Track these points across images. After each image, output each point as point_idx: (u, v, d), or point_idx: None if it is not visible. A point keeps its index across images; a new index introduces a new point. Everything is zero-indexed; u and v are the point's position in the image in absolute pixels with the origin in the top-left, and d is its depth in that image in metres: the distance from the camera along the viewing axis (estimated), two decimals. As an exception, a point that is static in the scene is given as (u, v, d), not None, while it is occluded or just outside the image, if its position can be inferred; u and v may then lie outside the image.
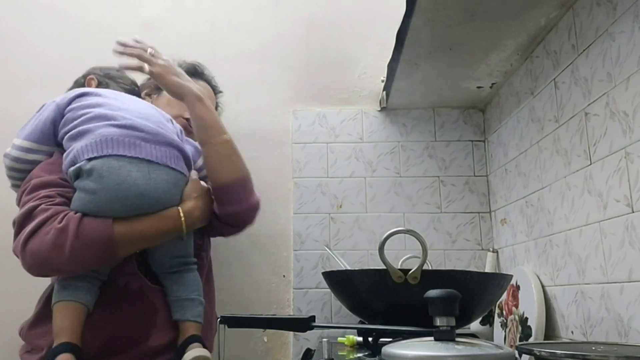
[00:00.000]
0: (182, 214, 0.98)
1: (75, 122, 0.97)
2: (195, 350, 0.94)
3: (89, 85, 1.12)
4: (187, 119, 1.16)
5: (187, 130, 1.17)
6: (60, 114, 1.01)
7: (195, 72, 1.29)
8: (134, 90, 1.20)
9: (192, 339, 0.97)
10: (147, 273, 1.03)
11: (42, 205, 0.91)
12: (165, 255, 1.02)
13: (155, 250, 1.02)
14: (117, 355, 0.97)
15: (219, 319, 0.87)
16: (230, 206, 1.07)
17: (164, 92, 1.14)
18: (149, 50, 1.06)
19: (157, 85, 1.18)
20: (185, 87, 1.05)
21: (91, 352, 0.95)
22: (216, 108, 1.34)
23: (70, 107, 1.01)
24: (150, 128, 0.97)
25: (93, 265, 0.94)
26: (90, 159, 0.90)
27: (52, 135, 1.01)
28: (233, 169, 1.07)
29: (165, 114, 1.08)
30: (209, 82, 1.32)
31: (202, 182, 1.06)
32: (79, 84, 1.15)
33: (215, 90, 1.35)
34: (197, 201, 1.02)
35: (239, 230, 1.16)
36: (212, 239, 1.26)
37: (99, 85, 1.14)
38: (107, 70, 1.18)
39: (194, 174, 1.05)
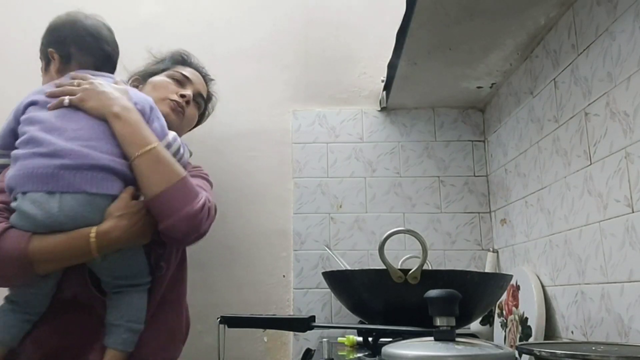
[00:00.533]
0: (92, 235, 0.92)
1: (17, 142, 0.99)
2: None
3: (52, 58, 1.09)
4: (174, 101, 1.18)
5: (176, 110, 1.17)
6: (17, 123, 1.01)
7: (182, 60, 1.28)
8: (109, 57, 1.13)
9: None
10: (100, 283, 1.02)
11: None
12: (105, 274, 1.00)
13: (95, 267, 0.99)
14: None
15: (219, 319, 0.87)
16: (165, 220, 0.97)
17: (149, 80, 1.21)
18: (73, 81, 1.04)
19: (143, 77, 1.22)
20: (103, 108, 1.01)
21: None
22: (209, 97, 1.32)
23: (22, 117, 1.01)
24: (74, 153, 0.94)
25: (13, 279, 0.94)
26: (12, 190, 0.95)
27: (13, 143, 1.01)
28: (160, 179, 0.98)
29: (106, 128, 1.01)
30: (197, 69, 1.29)
31: (136, 201, 0.98)
32: (44, 54, 1.12)
33: (206, 79, 1.32)
34: (119, 220, 0.94)
35: (186, 241, 1.05)
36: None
37: (61, 59, 1.09)
38: (75, 36, 1.10)
39: (126, 192, 0.98)
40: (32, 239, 0.91)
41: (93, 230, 0.93)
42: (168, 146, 1.06)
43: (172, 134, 1.09)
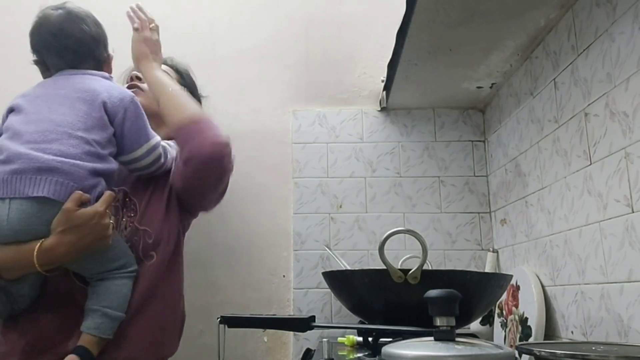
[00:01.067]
0: (35, 251, 0.90)
1: None
2: None
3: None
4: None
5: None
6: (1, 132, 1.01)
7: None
8: (76, 52, 1.08)
9: (73, 351, 0.93)
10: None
11: None
12: (81, 271, 1.00)
13: (69, 266, 0.98)
14: (39, 356, 0.97)
15: (219, 319, 0.87)
16: (190, 142, 1.01)
17: None
18: (152, 24, 1.21)
19: None
20: (135, 59, 1.17)
21: (16, 354, 0.96)
22: (196, 93, 1.34)
23: (3, 126, 1.01)
24: (24, 156, 0.92)
25: None
26: None
27: None
28: (189, 107, 1.08)
29: (82, 125, 0.98)
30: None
31: (82, 211, 0.92)
32: None
33: (173, 66, 1.34)
34: (62, 236, 0.91)
35: (209, 173, 1.04)
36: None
37: (39, 66, 1.10)
38: (40, 40, 1.08)
39: (70, 201, 0.91)
40: None
41: (37, 246, 0.90)
42: (147, 153, 1.05)
43: (154, 140, 1.07)
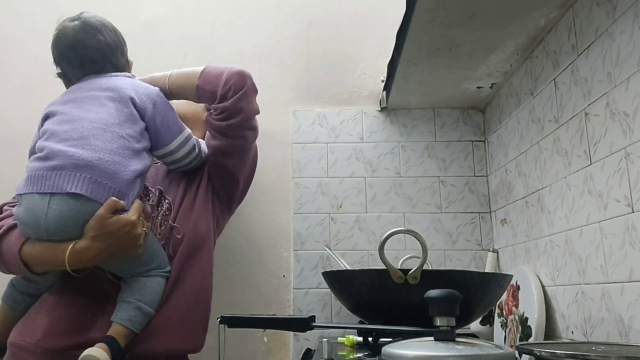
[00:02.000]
0: (67, 252, 0.92)
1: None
2: (88, 350, 0.91)
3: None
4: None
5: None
6: (38, 136, 1.04)
7: None
8: (94, 61, 1.11)
9: (103, 340, 0.94)
10: None
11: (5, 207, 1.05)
12: (116, 270, 1.02)
13: (103, 266, 1.01)
14: (60, 337, 0.99)
15: (219, 319, 0.87)
16: (217, 80, 1.10)
17: None
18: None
19: None
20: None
21: (39, 331, 1.00)
22: None
23: (40, 129, 1.04)
24: (62, 153, 0.94)
25: (16, 272, 1.01)
26: (20, 194, 0.97)
27: None
28: (191, 75, 1.12)
29: (114, 120, 1.01)
30: None
31: (116, 218, 0.94)
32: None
33: None
34: (93, 241, 0.93)
35: (242, 101, 1.13)
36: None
37: (62, 79, 1.14)
38: (59, 54, 1.12)
39: (104, 207, 0.93)
40: (25, 244, 0.95)
41: (69, 247, 0.93)
42: (182, 145, 1.09)
43: (186, 131, 1.11)
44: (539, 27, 1.08)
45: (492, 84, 1.36)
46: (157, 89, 1.10)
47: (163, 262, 1.05)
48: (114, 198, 0.94)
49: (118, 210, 0.95)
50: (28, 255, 0.95)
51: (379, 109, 1.55)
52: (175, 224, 1.10)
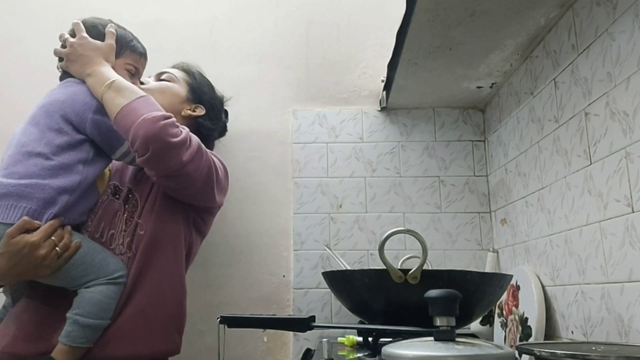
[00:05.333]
0: None
1: None
2: None
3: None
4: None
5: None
6: None
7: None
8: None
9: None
10: None
11: None
12: (54, 283, 1.02)
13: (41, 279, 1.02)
14: (25, 343, 1.00)
15: (219, 319, 0.87)
16: (128, 135, 0.97)
17: None
18: (64, 36, 1.11)
19: None
20: (80, 75, 1.08)
21: (7, 338, 1.01)
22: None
23: None
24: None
25: None
26: None
27: None
28: (121, 101, 1.00)
29: (40, 141, 1.00)
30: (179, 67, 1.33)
31: (17, 239, 0.94)
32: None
33: (181, 66, 1.32)
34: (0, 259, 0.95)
35: (155, 160, 0.97)
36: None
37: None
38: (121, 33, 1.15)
39: (15, 227, 0.94)
40: None
41: None
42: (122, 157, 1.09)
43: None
44: (539, 27, 1.08)
45: (492, 83, 1.36)
46: (94, 102, 1.04)
47: (104, 271, 1.01)
48: (26, 218, 0.95)
49: (29, 230, 0.95)
50: None
51: (379, 108, 1.55)
52: (139, 220, 1.08)
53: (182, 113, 1.26)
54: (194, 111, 1.28)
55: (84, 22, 1.12)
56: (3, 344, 1.01)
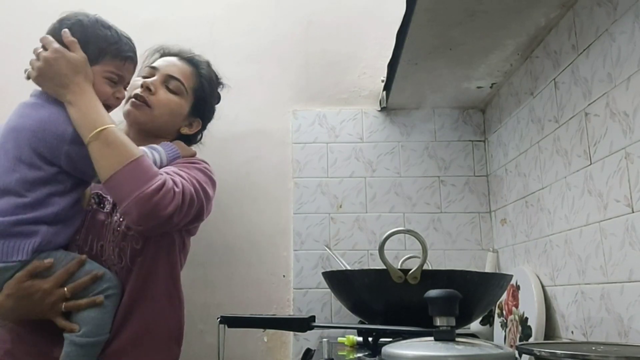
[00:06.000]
0: None
1: None
2: None
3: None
4: (132, 96, 1.12)
5: (135, 104, 1.12)
6: None
7: (153, 53, 1.24)
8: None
9: None
10: None
11: None
12: None
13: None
14: (22, 356, 1.00)
15: (219, 319, 0.87)
16: (120, 204, 0.93)
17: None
18: (37, 50, 1.00)
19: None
20: (57, 95, 0.98)
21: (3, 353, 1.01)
22: (200, 75, 1.22)
23: None
24: None
25: None
26: None
27: None
28: (111, 162, 0.93)
29: (12, 174, 0.94)
30: (173, 54, 1.23)
31: (29, 284, 0.94)
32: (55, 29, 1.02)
33: (185, 59, 1.22)
34: (5, 300, 0.94)
35: (148, 227, 0.95)
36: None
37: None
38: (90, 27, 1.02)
39: (26, 269, 0.93)
40: None
41: None
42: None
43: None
44: (539, 27, 1.08)
45: (492, 83, 1.36)
46: (70, 127, 0.95)
47: (93, 288, 0.99)
48: (36, 262, 0.94)
49: (42, 272, 0.94)
50: None
51: (379, 108, 1.55)
52: (131, 233, 1.04)
53: (181, 130, 1.21)
54: (190, 127, 1.22)
55: (64, 19, 1.02)
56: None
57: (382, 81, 1.47)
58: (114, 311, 1.01)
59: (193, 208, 1.01)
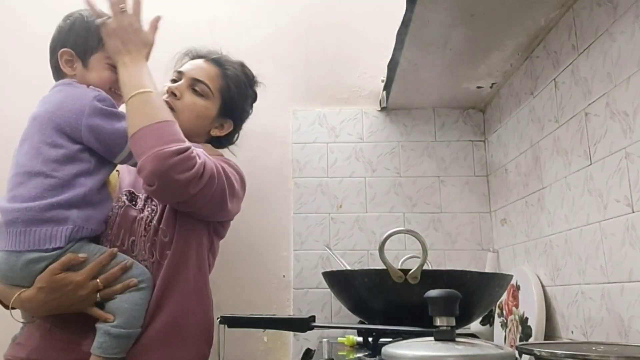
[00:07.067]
0: (13, 299, 0.94)
1: None
2: None
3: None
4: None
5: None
6: None
7: (182, 58, 1.26)
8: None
9: None
10: None
11: None
12: None
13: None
14: (52, 350, 0.99)
15: (219, 319, 0.87)
16: (138, 161, 0.93)
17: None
18: (121, 5, 1.04)
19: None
20: (115, 55, 1.02)
21: (29, 346, 1.01)
22: (225, 76, 1.22)
23: None
24: (3, 210, 0.95)
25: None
26: None
27: None
28: (142, 118, 0.94)
29: (36, 158, 0.96)
30: (200, 57, 1.25)
31: (63, 276, 0.94)
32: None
33: (212, 61, 1.23)
34: (38, 293, 0.94)
35: (161, 191, 0.94)
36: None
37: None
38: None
39: (60, 261, 0.94)
40: None
41: (16, 295, 0.94)
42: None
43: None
44: (539, 27, 1.08)
45: (492, 83, 1.36)
46: (87, 102, 0.97)
47: (132, 275, 1.00)
48: (70, 255, 0.94)
49: (74, 265, 0.95)
50: None
51: (379, 108, 1.55)
52: (163, 227, 1.05)
53: (211, 132, 1.21)
54: (221, 128, 1.22)
55: (68, 16, 1.07)
56: (26, 351, 0.99)
57: (382, 81, 1.47)
58: (147, 305, 1.00)
59: (213, 187, 0.99)
